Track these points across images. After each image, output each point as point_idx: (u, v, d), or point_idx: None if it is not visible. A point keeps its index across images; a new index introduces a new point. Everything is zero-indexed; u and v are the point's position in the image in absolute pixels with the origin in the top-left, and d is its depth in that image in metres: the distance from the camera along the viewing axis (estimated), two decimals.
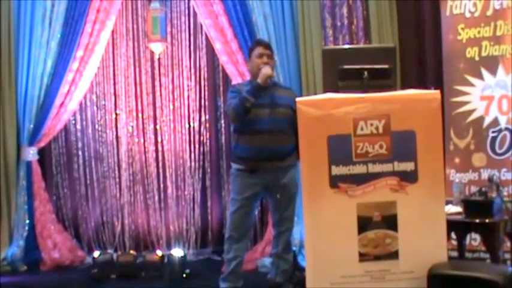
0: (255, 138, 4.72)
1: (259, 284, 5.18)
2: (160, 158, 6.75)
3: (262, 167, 4.73)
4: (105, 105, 6.75)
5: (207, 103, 6.74)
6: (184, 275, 5.70)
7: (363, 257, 3.70)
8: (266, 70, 4.70)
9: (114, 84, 6.76)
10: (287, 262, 4.98)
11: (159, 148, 6.75)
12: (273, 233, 5.12)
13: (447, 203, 4.19)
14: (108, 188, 6.75)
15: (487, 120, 5.50)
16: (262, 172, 4.74)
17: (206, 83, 6.72)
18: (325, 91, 4.00)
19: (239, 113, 4.71)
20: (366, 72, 3.90)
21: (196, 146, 6.70)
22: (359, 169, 3.68)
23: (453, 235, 4.63)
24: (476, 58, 5.55)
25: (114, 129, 6.76)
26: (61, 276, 6.00)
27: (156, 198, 6.74)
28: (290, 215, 4.92)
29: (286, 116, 4.74)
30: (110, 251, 6.51)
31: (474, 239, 5.37)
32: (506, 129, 5.41)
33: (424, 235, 3.70)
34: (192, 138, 6.72)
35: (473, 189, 5.18)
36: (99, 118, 6.75)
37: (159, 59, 6.69)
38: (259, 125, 4.71)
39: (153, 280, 5.70)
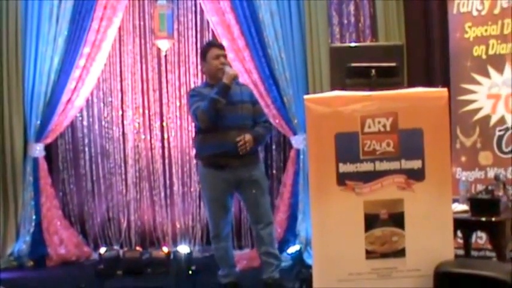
0: (217, 137, 4.78)
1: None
2: (166, 154, 6.77)
3: (227, 164, 4.80)
4: (111, 101, 6.77)
5: None
6: (190, 272, 5.70)
7: (369, 254, 3.70)
8: (232, 71, 4.83)
9: (121, 80, 6.77)
10: (278, 258, 5.03)
11: (166, 145, 6.76)
12: (253, 232, 5.16)
13: (453, 201, 4.17)
14: (115, 184, 6.77)
15: (494, 119, 5.49)
16: (233, 168, 4.81)
17: None
18: (332, 89, 4.00)
19: (211, 115, 4.76)
20: (373, 70, 3.89)
21: None
22: (366, 167, 3.68)
23: (459, 233, 4.64)
24: (484, 56, 5.55)
25: (120, 126, 6.77)
26: (67, 272, 6.02)
27: (162, 194, 6.76)
28: (265, 210, 4.99)
29: (249, 111, 4.91)
30: (116, 247, 6.54)
31: (480, 237, 5.37)
32: None
33: (431, 233, 3.70)
34: None
35: (480, 187, 5.18)
36: (105, 115, 6.77)
37: (165, 55, 6.69)
38: (226, 122, 4.76)
39: (159, 276, 5.72)
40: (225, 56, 4.96)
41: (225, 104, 4.74)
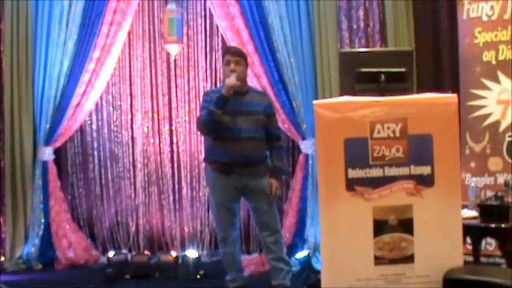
0: (229, 145, 4.76)
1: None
2: (175, 158, 6.77)
3: (235, 171, 4.79)
4: (120, 105, 6.78)
5: None
6: (198, 276, 5.72)
7: (378, 260, 3.69)
8: (229, 81, 4.75)
9: (130, 85, 6.79)
10: (287, 262, 5.03)
11: (174, 149, 6.77)
12: (260, 239, 5.16)
13: (462, 207, 4.16)
14: (123, 188, 6.78)
15: (504, 125, 5.47)
16: (238, 175, 4.80)
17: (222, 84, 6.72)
18: (342, 94, 4.00)
19: (208, 126, 4.78)
20: (382, 76, 3.89)
21: None
22: (375, 172, 3.68)
23: (468, 240, 4.62)
24: (493, 62, 5.53)
25: (129, 130, 6.78)
26: (75, 275, 6.03)
27: (171, 198, 6.76)
28: (271, 219, 4.96)
29: (258, 123, 4.84)
30: (124, 251, 6.54)
31: (489, 244, 5.34)
32: None
33: (440, 239, 3.70)
34: None
35: (489, 193, 5.16)
36: (114, 119, 6.78)
37: (175, 60, 6.70)
38: (231, 133, 4.75)
39: (167, 281, 5.72)
40: (237, 62, 4.85)
41: (229, 114, 4.73)
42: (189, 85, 6.76)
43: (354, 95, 3.88)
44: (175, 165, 6.77)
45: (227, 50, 5.11)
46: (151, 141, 6.78)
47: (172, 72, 6.77)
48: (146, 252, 6.40)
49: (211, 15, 6.62)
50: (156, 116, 6.78)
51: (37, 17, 6.34)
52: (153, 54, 6.78)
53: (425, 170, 3.69)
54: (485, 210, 4.38)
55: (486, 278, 3.52)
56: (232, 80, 4.73)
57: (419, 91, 4.21)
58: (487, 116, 5.55)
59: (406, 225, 3.69)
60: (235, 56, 4.91)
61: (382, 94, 3.83)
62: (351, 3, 6.23)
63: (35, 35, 6.35)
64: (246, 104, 4.82)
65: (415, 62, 5.20)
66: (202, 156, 6.63)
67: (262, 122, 4.86)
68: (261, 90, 5.78)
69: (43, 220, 6.34)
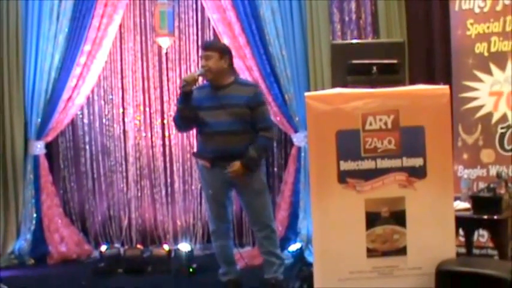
0: (209, 140, 4.78)
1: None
2: (167, 152, 6.74)
3: (219, 165, 4.78)
4: (112, 99, 6.74)
5: None
6: (191, 270, 5.71)
7: (371, 252, 3.70)
8: (185, 76, 4.85)
9: (122, 78, 6.74)
10: (279, 257, 5.03)
11: (167, 142, 6.74)
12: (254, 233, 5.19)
13: (455, 199, 4.18)
14: (115, 182, 6.74)
15: (496, 116, 5.46)
16: (221, 169, 4.78)
17: None
18: (333, 86, 4.00)
19: (178, 123, 4.90)
20: (374, 67, 3.89)
21: None
22: (367, 164, 3.68)
23: (461, 231, 4.62)
24: (485, 54, 5.51)
25: (121, 124, 6.75)
26: (68, 270, 6.02)
27: (163, 192, 6.74)
28: (260, 214, 4.94)
29: (238, 116, 4.76)
30: (116, 245, 6.50)
31: (482, 236, 5.34)
32: None
33: (432, 231, 3.70)
34: None
35: (482, 185, 5.15)
36: (106, 112, 6.74)
37: (166, 53, 6.67)
38: (211, 127, 4.75)
39: (160, 275, 5.71)
40: (207, 57, 4.79)
41: (208, 109, 4.75)
42: (180, 78, 6.69)
43: (346, 86, 3.87)
44: (168, 158, 6.75)
45: (201, 46, 5.10)
46: (143, 134, 6.74)
47: (164, 66, 6.73)
48: (139, 246, 6.37)
49: (202, 8, 6.58)
50: (147, 109, 6.75)
51: (27, 10, 6.29)
52: (145, 48, 6.73)
53: (417, 161, 3.69)
54: (477, 202, 4.38)
55: (479, 270, 3.53)
56: (187, 75, 4.84)
57: (411, 83, 4.22)
58: (480, 107, 5.55)
59: (399, 218, 3.69)
60: (205, 50, 4.90)
61: (374, 86, 3.83)
62: None
63: (26, 29, 6.30)
64: (225, 98, 4.77)
65: (407, 53, 5.20)
66: (194, 149, 6.64)
67: (243, 115, 4.76)
68: (249, 81, 5.71)
69: (35, 215, 6.31)
